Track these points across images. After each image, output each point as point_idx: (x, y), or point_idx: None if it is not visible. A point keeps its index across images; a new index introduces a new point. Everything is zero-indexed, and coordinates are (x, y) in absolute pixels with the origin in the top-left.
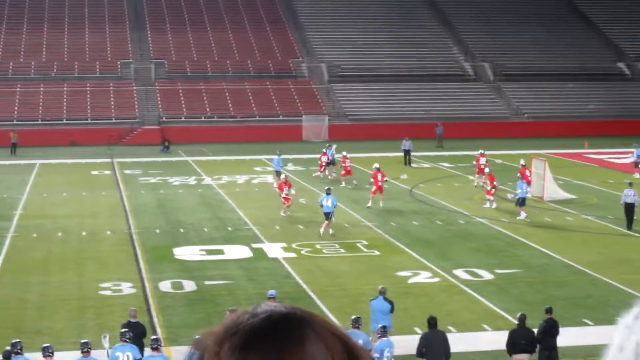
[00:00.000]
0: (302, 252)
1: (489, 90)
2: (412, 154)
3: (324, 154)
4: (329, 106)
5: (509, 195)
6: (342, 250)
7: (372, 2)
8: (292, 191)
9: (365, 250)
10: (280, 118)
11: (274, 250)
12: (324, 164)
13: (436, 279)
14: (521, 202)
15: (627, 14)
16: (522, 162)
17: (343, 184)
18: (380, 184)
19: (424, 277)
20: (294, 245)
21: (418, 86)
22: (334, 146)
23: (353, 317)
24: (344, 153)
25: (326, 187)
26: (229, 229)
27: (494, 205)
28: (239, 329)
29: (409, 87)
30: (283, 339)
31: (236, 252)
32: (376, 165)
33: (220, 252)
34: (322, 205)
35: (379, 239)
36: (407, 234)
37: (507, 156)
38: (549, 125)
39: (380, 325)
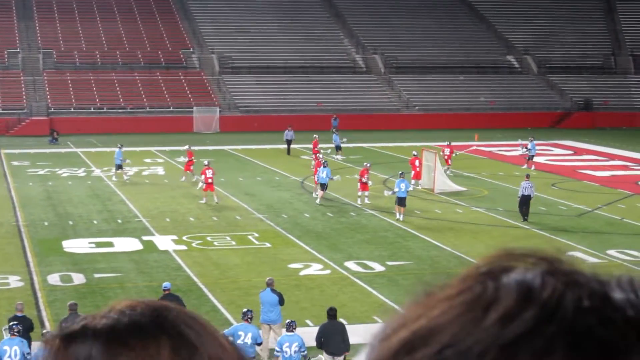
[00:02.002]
0: (193, 244)
1: (380, 83)
2: (293, 145)
3: (316, 141)
4: (220, 97)
5: (386, 192)
6: (234, 243)
7: None
8: (197, 178)
9: (256, 242)
10: (171, 109)
11: (165, 242)
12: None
13: (327, 271)
14: (399, 201)
15: (516, 7)
16: (414, 152)
17: (183, 179)
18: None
19: (315, 269)
20: (184, 238)
21: (309, 78)
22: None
23: (243, 310)
24: (187, 146)
25: (323, 161)
26: (119, 221)
27: (366, 200)
28: (89, 327)
29: (301, 79)
30: (132, 337)
31: (126, 244)
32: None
33: (110, 244)
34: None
35: (270, 231)
36: (298, 226)
37: (398, 148)
38: (440, 117)
39: (288, 321)
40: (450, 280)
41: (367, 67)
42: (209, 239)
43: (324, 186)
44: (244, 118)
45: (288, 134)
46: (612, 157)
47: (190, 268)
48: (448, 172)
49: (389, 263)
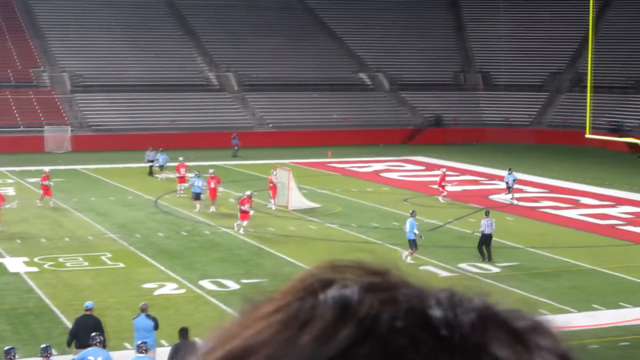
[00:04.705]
0: (45, 266)
1: (233, 100)
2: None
3: (181, 166)
4: (72, 116)
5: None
6: (86, 264)
7: (115, 11)
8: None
9: (109, 262)
10: (21, 129)
11: (15, 264)
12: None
13: (182, 290)
14: (411, 244)
15: (367, 25)
16: (273, 171)
17: (40, 204)
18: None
19: (169, 288)
20: (36, 259)
21: (163, 96)
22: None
23: (92, 334)
24: (46, 169)
25: (196, 172)
26: None
27: (242, 231)
28: None
29: (154, 97)
30: None
31: None
32: (211, 170)
33: None
34: (192, 186)
35: (123, 251)
36: (152, 246)
37: (252, 166)
38: (293, 134)
39: (139, 342)
40: (273, 294)
41: (220, 84)
42: (61, 260)
43: (198, 195)
44: (97, 137)
45: (150, 154)
46: (463, 172)
47: (42, 290)
48: (442, 200)
49: (244, 281)
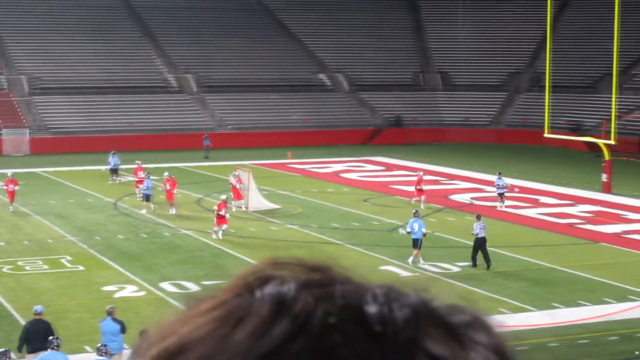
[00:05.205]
0: (4, 269)
1: (192, 102)
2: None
3: (139, 169)
4: (30, 119)
5: (400, 230)
6: (46, 267)
7: (73, 13)
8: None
9: (69, 265)
10: None
11: None
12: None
13: (142, 293)
14: (413, 243)
15: (327, 26)
16: (235, 172)
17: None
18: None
19: (130, 291)
20: None
21: (122, 98)
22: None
23: (49, 337)
24: (9, 173)
25: (147, 172)
26: None
27: (220, 236)
28: None
29: (113, 99)
30: None
31: None
32: (166, 173)
33: None
34: (147, 187)
35: (83, 253)
36: (112, 248)
37: (212, 167)
38: (253, 136)
39: (99, 345)
40: (213, 291)
41: (179, 86)
42: (20, 263)
43: (148, 197)
44: (55, 140)
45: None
46: (423, 172)
47: (1, 294)
48: (422, 206)
49: (205, 283)
